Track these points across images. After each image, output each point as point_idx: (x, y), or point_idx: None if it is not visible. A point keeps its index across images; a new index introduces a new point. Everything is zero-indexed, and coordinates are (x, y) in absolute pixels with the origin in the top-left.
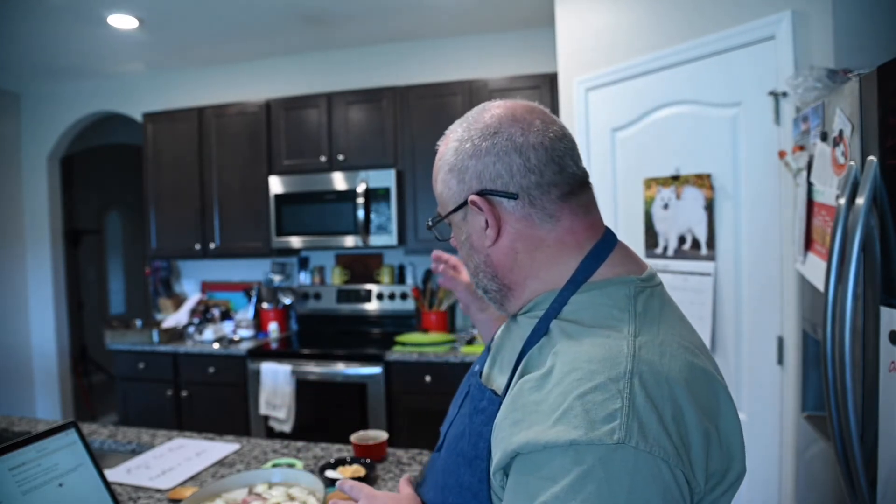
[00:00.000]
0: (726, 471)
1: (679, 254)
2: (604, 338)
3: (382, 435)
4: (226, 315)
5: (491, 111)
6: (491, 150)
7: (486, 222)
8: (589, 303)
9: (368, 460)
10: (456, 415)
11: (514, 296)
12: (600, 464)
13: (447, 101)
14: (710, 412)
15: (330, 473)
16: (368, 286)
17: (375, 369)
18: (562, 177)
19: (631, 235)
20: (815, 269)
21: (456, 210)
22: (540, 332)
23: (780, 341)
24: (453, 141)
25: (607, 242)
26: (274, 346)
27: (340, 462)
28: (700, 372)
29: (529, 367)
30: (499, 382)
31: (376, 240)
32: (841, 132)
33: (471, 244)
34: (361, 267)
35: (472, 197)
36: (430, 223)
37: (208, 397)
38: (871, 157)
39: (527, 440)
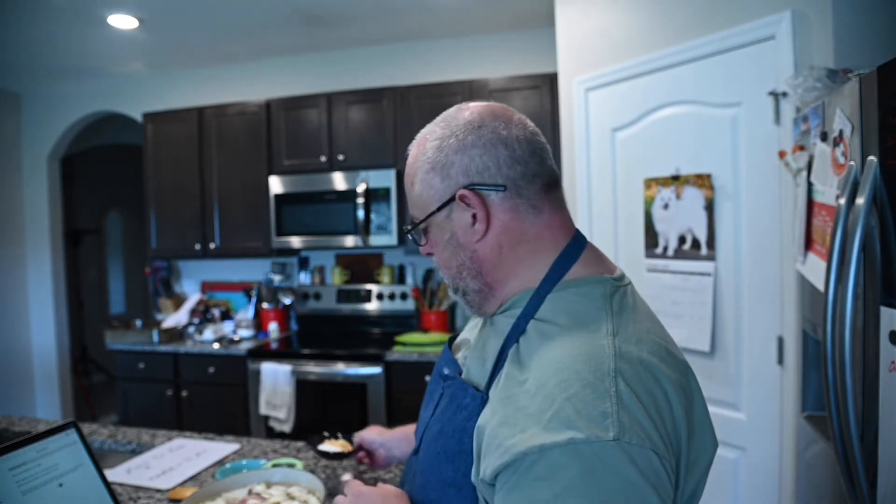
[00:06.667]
0: (697, 458)
1: (679, 254)
2: (584, 338)
3: None
4: (226, 315)
5: (469, 109)
6: (477, 143)
7: (474, 217)
8: (565, 301)
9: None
10: (431, 417)
11: (495, 295)
12: (598, 460)
13: (447, 101)
14: (688, 402)
15: (323, 447)
16: (368, 286)
17: (375, 369)
18: (542, 168)
19: (631, 235)
20: (815, 269)
21: (440, 209)
22: (518, 330)
23: (780, 341)
24: (433, 140)
25: (579, 242)
26: (274, 346)
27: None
28: (677, 362)
29: (511, 368)
30: (479, 380)
31: (376, 240)
32: (841, 132)
33: (456, 242)
34: (361, 267)
35: (462, 192)
36: (410, 227)
37: (208, 397)
38: (871, 157)
39: (522, 445)
